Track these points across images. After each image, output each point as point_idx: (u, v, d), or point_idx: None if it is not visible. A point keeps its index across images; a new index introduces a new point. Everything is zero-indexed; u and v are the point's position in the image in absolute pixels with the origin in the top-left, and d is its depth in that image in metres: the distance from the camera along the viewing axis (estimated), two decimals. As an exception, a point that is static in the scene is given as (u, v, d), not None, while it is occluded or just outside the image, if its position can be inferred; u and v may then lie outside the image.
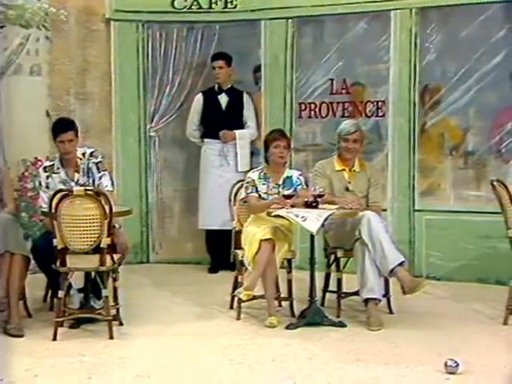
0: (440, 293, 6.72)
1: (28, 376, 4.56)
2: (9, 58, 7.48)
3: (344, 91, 7.61)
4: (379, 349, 5.15)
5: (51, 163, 6.01)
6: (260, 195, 5.96)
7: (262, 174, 6.05)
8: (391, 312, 6.02)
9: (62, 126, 5.90)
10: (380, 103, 7.45)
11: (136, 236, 7.98)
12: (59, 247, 5.36)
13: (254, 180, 6.00)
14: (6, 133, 7.41)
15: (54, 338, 5.28)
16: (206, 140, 7.67)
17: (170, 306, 6.32)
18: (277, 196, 5.90)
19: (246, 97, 7.74)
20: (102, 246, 5.27)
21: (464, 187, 7.29)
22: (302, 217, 5.47)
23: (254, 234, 5.73)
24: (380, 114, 7.46)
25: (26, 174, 7.37)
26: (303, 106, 7.72)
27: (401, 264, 5.63)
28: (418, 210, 7.27)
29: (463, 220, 7.04)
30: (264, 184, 5.99)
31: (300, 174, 6.12)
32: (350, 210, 5.74)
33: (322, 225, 5.50)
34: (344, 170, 6.10)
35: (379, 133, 7.52)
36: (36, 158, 7.22)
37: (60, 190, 5.41)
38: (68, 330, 5.53)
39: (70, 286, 5.72)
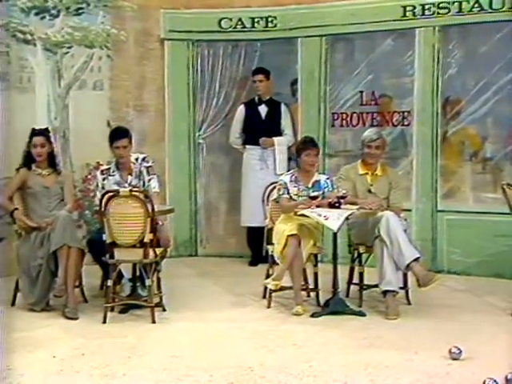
0: (458, 286, 6.72)
1: (76, 354, 4.69)
2: (75, 74, 7.62)
3: (373, 102, 7.62)
4: (392, 336, 5.16)
5: (108, 167, 6.14)
6: (291, 197, 5.97)
7: (293, 177, 6.07)
8: (409, 303, 6.01)
9: (118, 134, 6.05)
10: (405, 113, 7.44)
11: (186, 232, 8.13)
12: (108, 241, 5.50)
13: (285, 183, 6.03)
14: (73, 140, 7.57)
15: (104, 322, 5.41)
16: (247, 146, 7.73)
17: (210, 294, 6.42)
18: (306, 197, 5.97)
19: (283, 107, 7.77)
20: (145, 240, 5.40)
21: (482, 190, 7.26)
22: (325, 216, 5.53)
23: (282, 230, 5.80)
24: (405, 123, 7.45)
25: (89, 176, 7.48)
26: (335, 116, 7.74)
27: (416, 260, 5.64)
28: (440, 211, 7.26)
29: (481, 220, 7.03)
30: (295, 186, 6.01)
31: (327, 178, 6.15)
32: (370, 210, 5.77)
33: (343, 223, 5.54)
34: (367, 173, 6.11)
35: (405, 140, 7.51)
36: (98, 162, 7.28)
37: (108, 191, 5.58)
38: (117, 314, 5.65)
39: (121, 276, 5.89)
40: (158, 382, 4.18)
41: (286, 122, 7.78)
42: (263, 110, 7.75)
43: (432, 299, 6.13)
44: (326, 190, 6.02)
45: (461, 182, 7.40)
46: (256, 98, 7.78)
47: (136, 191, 5.53)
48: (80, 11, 7.59)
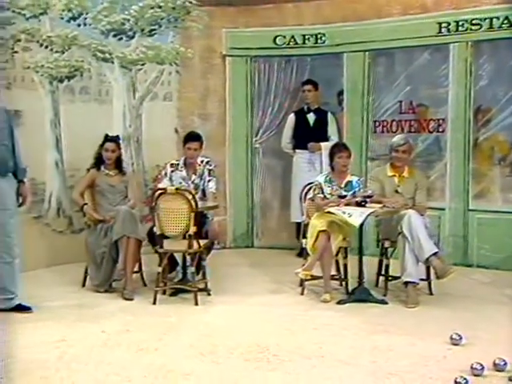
0: (484, 279, 6.64)
1: (122, 330, 4.86)
2: (148, 87, 7.80)
3: (411, 111, 7.59)
4: (406, 323, 5.14)
5: (177, 162, 6.34)
6: (325, 196, 6.04)
7: (327, 178, 6.14)
8: (431, 293, 5.97)
9: (192, 137, 6.28)
10: (440, 121, 7.39)
11: (243, 226, 8.27)
12: (158, 233, 5.69)
13: (320, 183, 6.11)
14: (145, 145, 7.79)
15: (154, 303, 5.56)
16: (297, 150, 7.77)
17: (255, 281, 6.49)
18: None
19: (329, 115, 7.78)
20: (189, 233, 5.54)
21: (510, 191, 7.16)
22: (349, 213, 5.57)
23: (315, 226, 5.85)
24: (440, 130, 7.41)
25: (159, 176, 7.65)
26: (377, 123, 7.73)
27: (434, 254, 5.63)
28: (471, 210, 7.20)
29: (509, 219, 6.97)
30: (329, 186, 6.08)
31: (359, 179, 6.20)
32: (393, 209, 5.79)
33: (364, 220, 5.55)
34: (395, 175, 6.12)
35: (439, 146, 7.45)
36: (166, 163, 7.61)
37: (159, 189, 5.79)
38: (168, 297, 5.81)
39: (176, 264, 6.12)
40: (183, 357, 4.31)
41: (332, 129, 7.79)
42: (311, 117, 7.78)
43: (455, 290, 6.09)
44: (357, 189, 6.04)
45: (490, 184, 7.30)
46: (305, 107, 7.81)
47: (181, 189, 5.70)
48: (153, 32, 7.77)
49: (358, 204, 5.75)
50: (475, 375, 3.97)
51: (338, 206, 5.78)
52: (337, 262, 6.13)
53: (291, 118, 7.90)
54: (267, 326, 5.04)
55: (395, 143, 6.16)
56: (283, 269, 6.83)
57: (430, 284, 6.02)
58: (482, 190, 7.32)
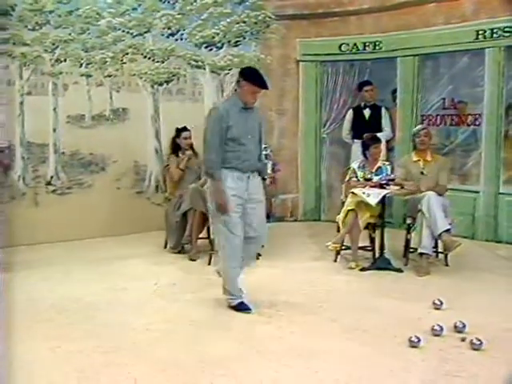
0: (506, 254, 6.34)
1: (170, 283, 5.05)
2: (233, 88, 8.09)
3: (452, 107, 7.43)
4: (410, 289, 5.06)
5: None
6: (358, 179, 6.06)
7: (361, 164, 6.15)
8: (447, 265, 5.84)
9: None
10: (477, 116, 7.19)
11: (312, 203, 8.35)
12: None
13: (354, 169, 6.14)
14: None
15: (209, 263, 5.77)
16: (355, 140, 7.60)
17: (305, 249, 6.42)
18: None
19: (383, 110, 7.70)
20: None
21: (536, 178, 6.84)
22: (368, 194, 5.63)
23: (346, 205, 5.91)
24: (477, 124, 7.20)
25: None
26: (424, 117, 7.60)
27: (446, 231, 5.55)
28: (502, 193, 6.99)
29: (535, 202, 6.66)
30: (362, 171, 6.10)
31: (388, 164, 6.18)
32: (407, 190, 5.78)
33: (380, 200, 5.58)
34: (419, 160, 6.03)
35: (476, 137, 7.23)
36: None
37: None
38: None
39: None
40: (206, 307, 4.47)
41: (385, 122, 7.69)
42: (367, 112, 7.70)
43: (472, 263, 5.92)
44: (386, 173, 6.04)
45: None
46: (362, 104, 7.77)
47: None
48: (238, 43, 7.96)
49: (381, 186, 5.76)
50: (435, 335, 3.97)
51: (364, 187, 5.80)
52: (370, 236, 6.04)
53: (350, 113, 7.88)
54: (288, 287, 5.05)
55: (417, 130, 6.15)
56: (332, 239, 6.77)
57: (446, 256, 5.88)
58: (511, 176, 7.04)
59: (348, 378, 3.36)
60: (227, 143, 4.34)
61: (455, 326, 4.07)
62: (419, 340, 3.82)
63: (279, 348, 3.76)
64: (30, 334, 3.88)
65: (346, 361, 3.59)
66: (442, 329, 4.02)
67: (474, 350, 3.75)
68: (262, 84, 4.39)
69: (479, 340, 3.78)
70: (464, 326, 4.05)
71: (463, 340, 3.89)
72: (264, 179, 4.71)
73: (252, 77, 4.38)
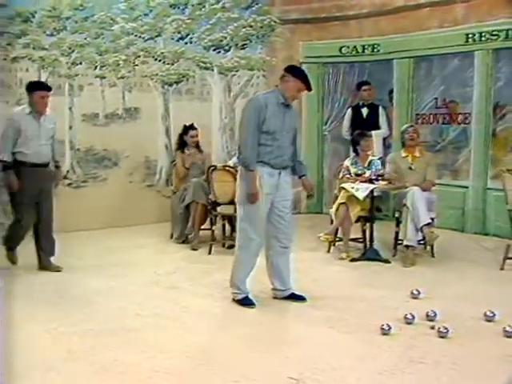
0: (495, 247, 6.19)
1: (170, 272, 5.15)
2: (240, 88, 8.08)
3: (444, 106, 7.43)
4: (393, 279, 5.07)
5: None
6: (351, 175, 6.06)
7: (353, 160, 6.18)
8: (433, 256, 5.85)
9: None
10: (467, 114, 7.18)
11: (314, 196, 8.04)
12: (213, 200, 6.00)
13: (347, 166, 6.16)
14: (237, 132, 8.03)
15: (209, 253, 5.88)
16: None
17: (302, 240, 6.15)
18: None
19: (380, 109, 7.73)
20: (235, 200, 5.64)
21: (521, 174, 6.80)
22: (356, 188, 5.66)
23: (338, 198, 5.93)
24: (466, 122, 7.19)
25: None
26: (418, 116, 7.62)
27: (427, 224, 5.57)
28: (489, 188, 6.97)
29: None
30: (355, 167, 6.13)
31: (378, 159, 6.22)
32: (393, 186, 5.84)
33: (367, 194, 5.61)
34: (408, 156, 6.05)
35: (466, 135, 7.23)
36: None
37: (212, 166, 6.08)
38: (225, 249, 5.94)
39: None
40: (201, 296, 4.52)
41: (382, 120, 7.72)
42: (365, 111, 7.74)
43: (457, 255, 5.92)
44: (377, 167, 6.07)
45: (505, 167, 6.86)
46: (360, 103, 7.79)
47: (228, 166, 6.03)
48: (245, 46, 8.04)
49: (371, 181, 5.78)
50: (407, 323, 4.00)
51: (354, 182, 5.82)
52: (362, 228, 6.02)
53: (348, 111, 7.91)
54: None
55: (405, 127, 6.18)
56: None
57: (432, 248, 5.88)
58: (498, 172, 6.89)
59: (314, 364, 3.34)
60: (261, 136, 4.15)
61: (427, 315, 4.08)
62: (390, 328, 3.85)
63: (260, 335, 3.79)
64: (32, 316, 4.02)
65: (321, 348, 3.60)
66: (413, 317, 4.05)
67: (441, 337, 3.78)
68: (309, 85, 4.35)
69: (446, 328, 3.81)
70: (435, 315, 4.08)
71: (432, 328, 3.92)
72: (301, 177, 4.53)
73: (303, 76, 4.29)
